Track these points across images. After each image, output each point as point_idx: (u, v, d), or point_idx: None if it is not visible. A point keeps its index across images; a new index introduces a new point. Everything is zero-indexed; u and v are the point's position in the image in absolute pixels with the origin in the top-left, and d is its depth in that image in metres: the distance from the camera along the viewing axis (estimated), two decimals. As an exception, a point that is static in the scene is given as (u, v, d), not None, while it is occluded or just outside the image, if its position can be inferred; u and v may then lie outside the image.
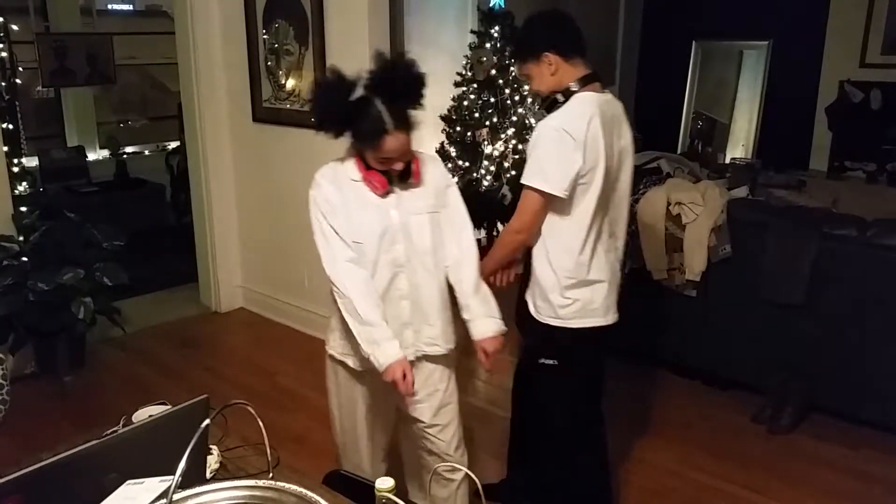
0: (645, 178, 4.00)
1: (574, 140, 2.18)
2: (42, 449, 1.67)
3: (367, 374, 2.22)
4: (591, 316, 2.38)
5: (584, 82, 2.30)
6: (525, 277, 2.51)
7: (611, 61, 6.66)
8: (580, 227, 2.30)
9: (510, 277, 2.61)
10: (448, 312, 2.25)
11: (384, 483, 1.17)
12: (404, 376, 2.07)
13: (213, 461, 1.73)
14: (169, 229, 6.38)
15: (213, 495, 1.16)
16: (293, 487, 1.11)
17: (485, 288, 2.27)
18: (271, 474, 1.23)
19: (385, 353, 2.06)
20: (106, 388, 3.88)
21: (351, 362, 2.24)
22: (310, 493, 1.10)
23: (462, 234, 2.25)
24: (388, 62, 2.07)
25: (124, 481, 1.37)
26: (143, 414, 1.84)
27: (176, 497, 1.04)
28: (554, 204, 2.28)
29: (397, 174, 2.08)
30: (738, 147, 6.31)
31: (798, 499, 2.95)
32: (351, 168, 2.11)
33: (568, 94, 2.29)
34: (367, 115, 1.98)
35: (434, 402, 2.28)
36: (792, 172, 5.51)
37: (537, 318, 2.41)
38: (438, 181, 2.21)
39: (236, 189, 4.80)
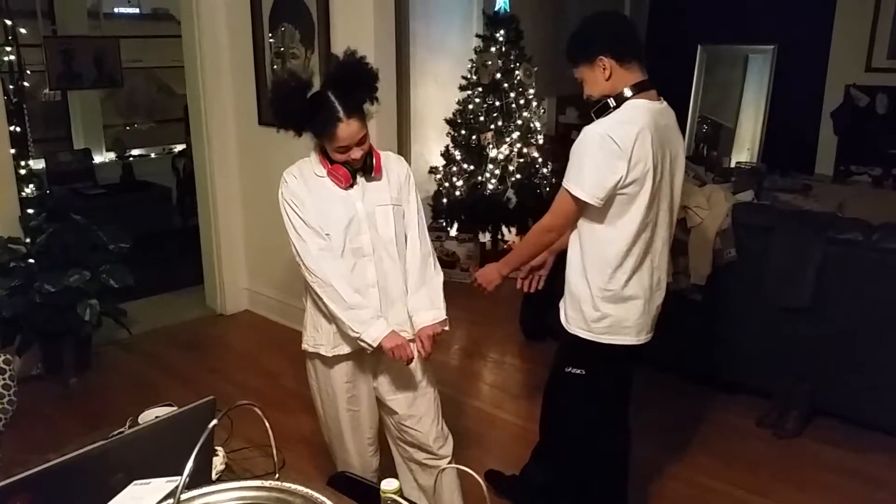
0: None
1: (619, 148, 2.10)
2: (48, 450, 1.68)
3: (341, 362, 2.31)
4: (623, 334, 2.32)
5: (639, 89, 2.21)
6: (552, 284, 2.51)
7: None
8: (623, 239, 2.23)
9: (539, 283, 2.60)
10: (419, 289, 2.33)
11: (389, 485, 1.17)
12: (401, 350, 2.18)
13: (218, 462, 1.73)
14: (175, 232, 6.40)
15: (220, 496, 1.16)
16: (299, 488, 1.11)
17: (432, 282, 2.33)
18: (277, 475, 1.24)
19: (377, 328, 2.17)
20: (112, 390, 3.89)
21: (322, 350, 2.31)
22: (316, 494, 1.10)
23: (415, 230, 2.34)
24: (340, 60, 2.19)
25: (131, 482, 1.37)
26: (149, 415, 1.85)
27: (183, 497, 1.05)
28: (592, 211, 2.22)
29: (359, 166, 2.19)
30: (744, 151, 6.31)
31: (804, 502, 2.94)
32: (316, 164, 2.23)
33: (620, 99, 2.20)
34: (321, 106, 2.11)
35: (409, 392, 2.36)
36: (797, 176, 5.51)
37: (567, 327, 2.37)
38: (399, 175, 2.32)
39: (242, 192, 4.82)
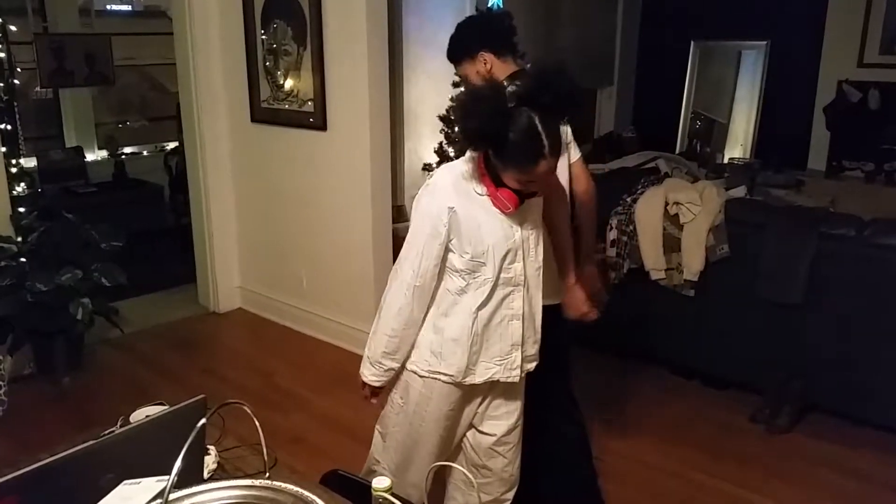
0: (643, 177, 4.01)
1: None
2: (39, 449, 1.67)
3: (452, 388, 2.07)
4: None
5: (513, 79, 2.33)
6: None
7: (609, 61, 6.65)
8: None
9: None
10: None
11: (381, 483, 1.17)
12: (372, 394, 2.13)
13: (210, 461, 1.72)
14: (167, 230, 6.37)
15: (210, 495, 1.16)
16: (290, 487, 1.11)
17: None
18: (268, 474, 1.23)
19: (377, 375, 2.08)
20: (104, 389, 3.88)
21: (443, 377, 2.05)
22: (306, 493, 1.10)
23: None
24: (550, 72, 1.83)
25: (121, 482, 1.36)
26: (140, 414, 1.84)
27: (172, 497, 1.04)
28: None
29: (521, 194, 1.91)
30: (737, 147, 6.32)
31: (796, 498, 2.95)
32: (476, 180, 1.93)
33: None
34: (524, 133, 1.78)
35: (511, 420, 2.18)
36: (790, 172, 5.51)
37: None
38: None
39: (235, 190, 4.80)
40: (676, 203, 3.66)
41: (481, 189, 1.92)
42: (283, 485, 1.12)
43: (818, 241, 3.33)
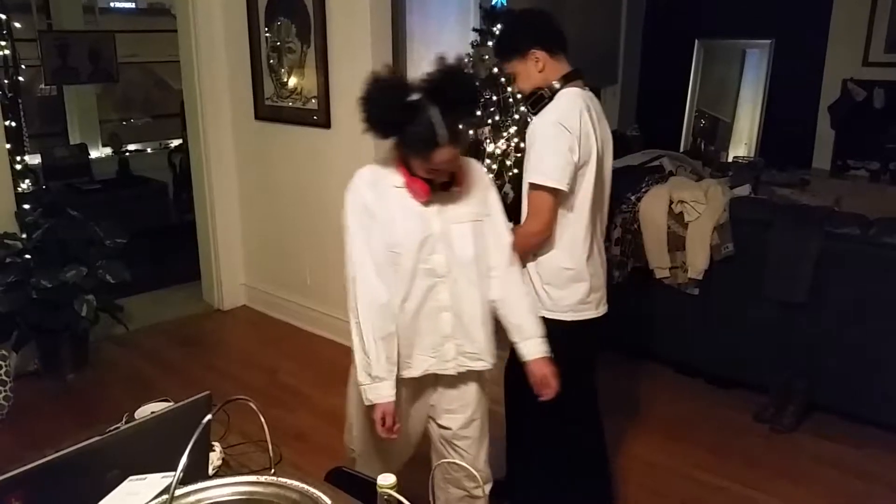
0: (647, 176, 4.00)
1: (570, 133, 2.22)
2: (45, 446, 1.67)
3: (400, 381, 2.10)
4: (586, 310, 2.42)
5: (568, 79, 2.34)
6: None
7: (613, 60, 6.64)
8: (580, 220, 2.34)
9: None
10: (491, 325, 2.16)
11: (386, 480, 1.17)
12: (384, 422, 2.03)
13: (215, 458, 1.73)
14: (171, 227, 6.38)
15: (216, 491, 1.16)
16: (295, 483, 1.11)
17: (532, 303, 2.23)
18: (273, 470, 1.23)
19: (377, 392, 2.03)
20: (108, 386, 3.89)
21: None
22: (312, 489, 1.10)
23: (506, 244, 2.17)
24: (448, 68, 1.95)
25: (126, 478, 1.37)
26: (145, 411, 1.84)
27: (178, 493, 1.04)
28: (558, 197, 2.30)
29: (442, 180, 2.01)
30: (741, 145, 6.30)
31: (801, 497, 2.94)
32: (393, 173, 2.02)
33: (553, 90, 2.33)
34: (422, 122, 1.88)
35: (467, 413, 2.22)
36: (795, 171, 5.50)
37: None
38: (481, 187, 2.13)
39: (239, 187, 4.81)
40: (681, 201, 3.65)
41: (398, 181, 2.01)
42: (289, 481, 1.12)
43: (823, 239, 3.32)
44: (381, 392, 2.03)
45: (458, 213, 2.06)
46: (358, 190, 2.03)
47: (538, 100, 2.35)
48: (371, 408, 2.09)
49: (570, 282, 2.37)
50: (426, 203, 2.01)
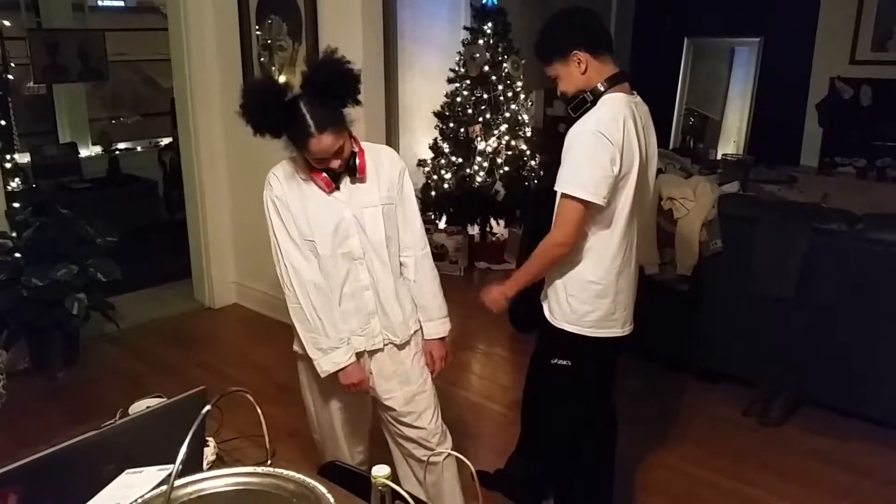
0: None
1: (611, 143, 2.10)
2: (35, 444, 1.68)
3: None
4: (611, 327, 2.34)
5: (613, 82, 2.20)
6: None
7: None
8: (615, 234, 2.24)
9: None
10: (409, 299, 2.29)
11: (380, 470, 1.18)
12: (352, 386, 2.20)
13: (209, 453, 1.74)
14: (162, 226, 6.38)
15: (213, 482, 1.17)
16: (292, 474, 1.13)
17: (435, 285, 2.31)
18: (269, 461, 1.25)
19: (331, 360, 2.16)
20: (100, 384, 3.89)
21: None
22: (308, 480, 1.12)
23: (417, 228, 2.28)
24: (318, 61, 2.09)
25: (122, 472, 1.38)
26: (140, 406, 1.85)
27: (176, 484, 1.06)
28: (591, 210, 2.18)
29: (342, 170, 2.11)
30: (730, 143, 6.35)
31: (789, 490, 2.98)
32: (300, 167, 2.15)
33: (596, 93, 2.19)
34: (294, 118, 2.01)
35: (407, 389, 2.31)
36: (783, 168, 5.56)
37: (552, 321, 2.36)
38: (390, 172, 2.22)
39: (229, 185, 4.81)
40: (670, 198, 3.68)
41: (304, 174, 2.14)
42: (286, 472, 1.13)
43: (810, 235, 3.35)
44: (335, 359, 2.16)
45: (369, 198, 2.17)
46: (271, 186, 2.16)
47: (580, 104, 2.21)
48: (323, 392, 2.30)
49: (596, 297, 2.27)
50: (333, 191, 2.13)
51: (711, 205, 3.60)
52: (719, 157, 6.11)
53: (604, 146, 2.10)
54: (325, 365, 2.16)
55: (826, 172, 5.75)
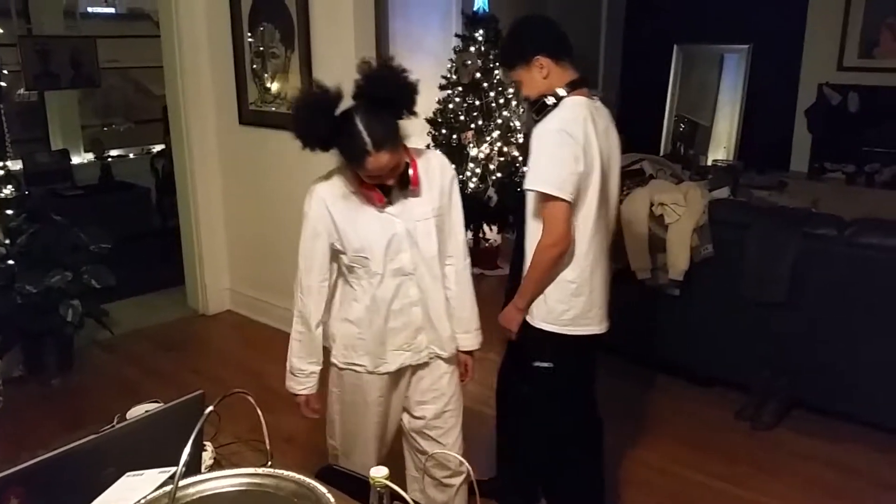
0: (628, 179, 4.05)
1: (575, 141, 2.18)
2: (30, 450, 1.68)
3: (374, 377, 2.19)
4: (588, 324, 2.39)
5: (573, 87, 2.30)
6: (513, 279, 2.53)
7: (594, 66, 6.72)
8: (584, 233, 2.29)
9: None
10: (453, 314, 2.23)
11: (379, 472, 1.20)
12: (308, 405, 2.23)
13: (207, 457, 1.75)
14: (155, 232, 6.38)
15: (215, 483, 1.19)
16: (292, 475, 1.14)
17: (473, 299, 2.26)
18: (269, 462, 1.26)
19: (299, 382, 2.20)
20: (94, 390, 3.88)
21: (357, 368, 2.19)
22: (309, 480, 1.13)
23: (460, 235, 2.21)
24: (371, 70, 1.94)
25: (122, 475, 1.39)
26: (138, 411, 1.85)
27: (179, 485, 1.07)
28: (536, 198, 2.28)
29: (394, 184, 2.00)
30: (720, 149, 6.40)
31: (781, 492, 3.00)
32: (349, 180, 2.04)
33: (558, 97, 2.28)
34: (349, 133, 1.89)
35: (440, 404, 2.27)
36: (773, 174, 5.59)
37: (531, 322, 2.40)
38: (441, 180, 2.12)
39: (223, 192, 4.81)
40: (661, 204, 3.71)
41: (353, 188, 2.03)
42: (287, 472, 1.15)
43: (801, 240, 3.39)
44: (302, 386, 2.21)
45: (421, 211, 2.07)
46: (314, 200, 2.07)
47: (542, 107, 2.30)
48: (360, 403, 2.22)
49: (571, 295, 2.33)
50: (385, 205, 2.02)
51: (702, 210, 3.63)
52: (710, 163, 6.15)
53: (567, 143, 2.19)
54: (292, 382, 2.21)
55: (816, 178, 5.80)
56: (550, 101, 2.29)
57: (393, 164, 1.93)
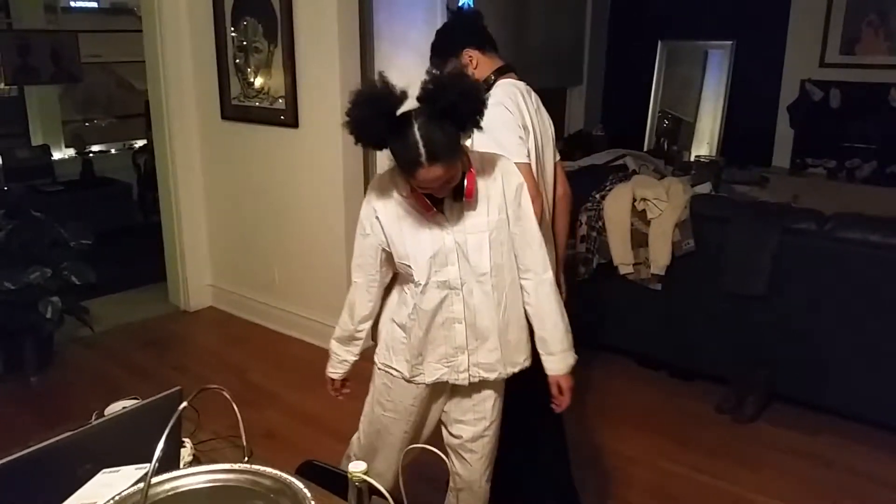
0: (611, 174, 4.07)
1: (512, 113, 2.32)
2: (8, 447, 1.67)
3: (411, 385, 2.11)
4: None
5: (501, 72, 2.45)
6: None
7: (578, 61, 6.73)
8: None
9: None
10: (516, 333, 2.07)
11: (358, 466, 1.20)
12: (333, 385, 2.22)
13: (186, 454, 1.74)
14: (136, 228, 6.33)
15: (191, 479, 1.18)
16: (269, 470, 1.14)
17: (561, 314, 2.08)
18: (247, 458, 1.26)
19: (332, 364, 2.20)
20: (74, 388, 3.85)
21: (394, 372, 2.12)
22: (285, 476, 1.13)
23: (535, 249, 2.02)
24: (441, 78, 1.79)
25: (99, 472, 1.38)
26: (116, 407, 1.84)
27: (153, 481, 1.06)
28: None
29: (448, 195, 1.89)
30: (703, 145, 6.42)
31: (761, 484, 3.03)
32: (401, 183, 1.92)
33: (489, 81, 2.43)
34: (404, 139, 1.75)
35: (479, 427, 2.17)
36: (755, 169, 5.63)
37: None
38: (505, 190, 1.96)
39: (205, 187, 4.79)
40: (644, 199, 3.73)
41: (404, 192, 1.92)
42: (263, 468, 1.14)
43: (781, 235, 3.41)
44: (339, 372, 2.20)
45: (474, 223, 1.93)
46: (369, 201, 1.99)
47: None
48: (403, 404, 2.15)
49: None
50: (434, 215, 1.90)
51: (684, 205, 3.65)
52: (692, 158, 6.18)
53: (507, 115, 2.30)
54: (330, 369, 2.21)
55: (797, 173, 5.84)
56: (483, 86, 2.27)
57: (447, 178, 1.80)
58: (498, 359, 2.05)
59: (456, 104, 1.75)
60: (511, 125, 2.28)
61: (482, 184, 1.93)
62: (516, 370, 2.09)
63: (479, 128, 1.82)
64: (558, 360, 2.08)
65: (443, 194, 1.86)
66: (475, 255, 1.94)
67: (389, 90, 1.76)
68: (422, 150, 1.72)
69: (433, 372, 2.06)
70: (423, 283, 1.95)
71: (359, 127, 1.78)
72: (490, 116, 2.21)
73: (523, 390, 2.49)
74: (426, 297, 1.97)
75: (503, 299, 2.01)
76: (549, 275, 2.04)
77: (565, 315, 2.09)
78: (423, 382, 2.08)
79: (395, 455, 2.18)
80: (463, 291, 1.96)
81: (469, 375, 2.06)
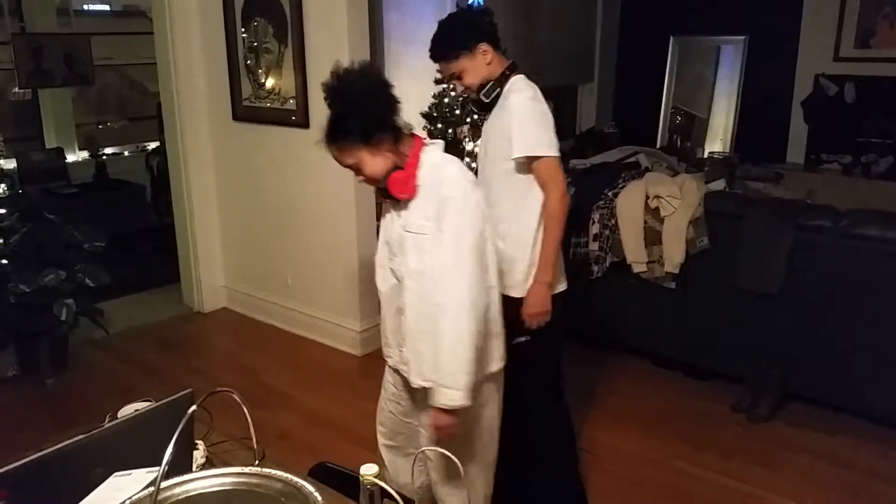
0: (624, 172, 4.05)
1: (545, 106, 2.37)
2: (24, 450, 1.67)
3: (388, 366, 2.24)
4: (560, 282, 2.49)
5: (512, 69, 2.45)
6: None
7: (589, 58, 6.70)
8: (540, 194, 2.40)
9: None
10: (425, 349, 1.98)
11: (369, 469, 1.19)
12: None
13: (199, 456, 1.74)
14: (150, 230, 6.35)
15: (201, 483, 1.18)
16: (280, 474, 1.13)
17: (455, 350, 1.90)
18: (258, 461, 1.25)
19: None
20: (89, 390, 3.87)
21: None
22: (296, 479, 1.12)
23: (443, 277, 1.91)
24: (335, 73, 1.98)
25: (111, 475, 1.38)
26: (128, 410, 1.84)
27: (164, 485, 1.06)
28: (527, 174, 2.38)
29: (380, 186, 1.99)
30: (717, 141, 6.38)
31: (777, 485, 3.00)
32: None
33: (506, 76, 2.42)
34: None
35: (415, 425, 2.22)
36: (769, 165, 5.58)
37: (506, 292, 2.32)
38: (438, 198, 1.91)
39: (217, 189, 4.80)
40: (657, 197, 3.70)
41: None
42: (273, 471, 1.14)
43: (796, 232, 3.38)
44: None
45: (408, 221, 1.99)
46: None
47: (491, 88, 2.43)
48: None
49: (533, 248, 2.43)
50: (389, 206, 2.06)
51: (698, 202, 3.62)
52: (706, 155, 6.14)
53: (543, 108, 2.36)
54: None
55: (812, 169, 5.79)
56: (496, 83, 2.42)
57: (344, 164, 1.95)
58: (417, 368, 2.02)
59: (338, 103, 1.93)
60: (548, 118, 2.35)
61: (427, 188, 1.94)
62: (422, 383, 2.01)
63: (372, 130, 1.89)
64: (433, 391, 1.95)
65: (368, 183, 2.01)
66: (410, 254, 1.99)
67: (370, 67, 2.05)
68: (322, 132, 1.94)
69: (391, 352, 2.18)
70: (383, 265, 2.11)
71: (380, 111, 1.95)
72: (528, 109, 2.35)
73: (531, 376, 2.49)
74: (384, 280, 2.12)
75: (420, 306, 1.97)
76: (444, 299, 1.89)
77: (457, 350, 1.89)
78: (388, 361, 2.21)
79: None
80: (404, 285, 2.02)
81: (394, 363, 2.17)
